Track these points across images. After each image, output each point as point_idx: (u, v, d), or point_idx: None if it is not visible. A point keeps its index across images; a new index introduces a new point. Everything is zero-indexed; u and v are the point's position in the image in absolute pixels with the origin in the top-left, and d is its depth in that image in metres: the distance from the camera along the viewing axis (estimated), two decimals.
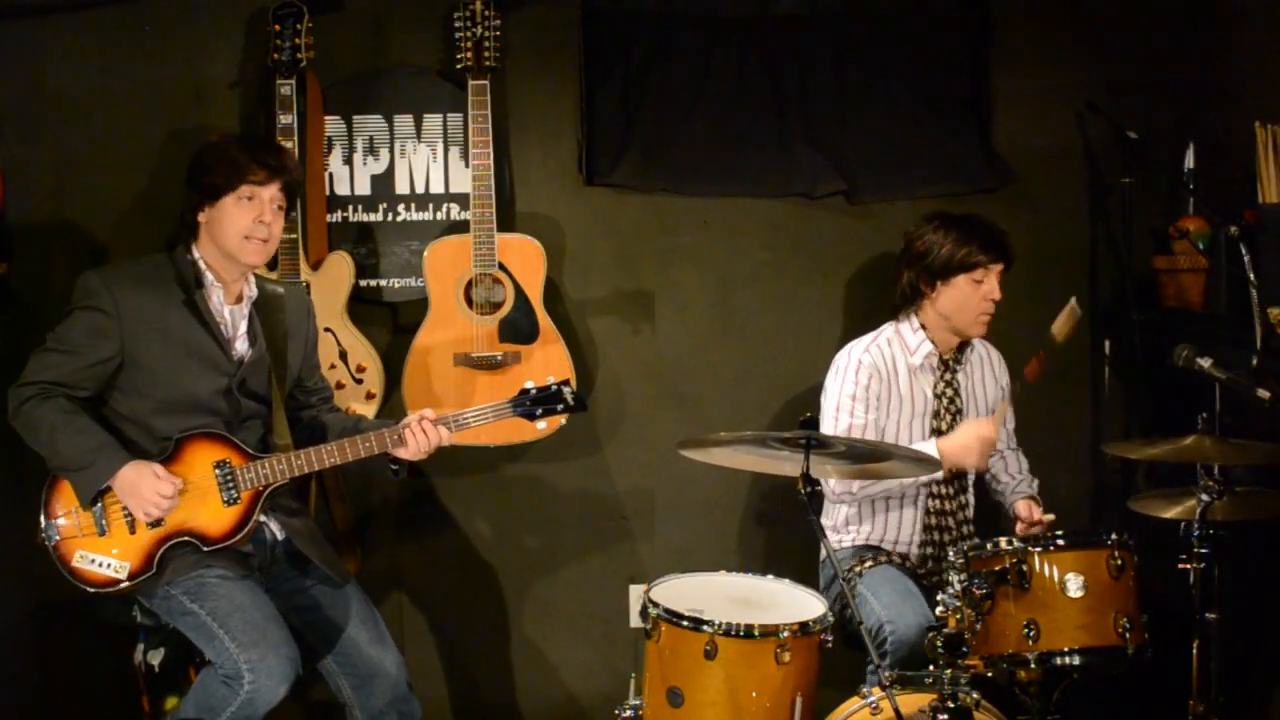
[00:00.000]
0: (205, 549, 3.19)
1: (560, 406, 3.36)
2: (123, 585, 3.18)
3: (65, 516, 3.19)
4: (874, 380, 3.63)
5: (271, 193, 3.23)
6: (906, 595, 3.46)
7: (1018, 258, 3.70)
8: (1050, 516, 3.63)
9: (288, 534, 3.33)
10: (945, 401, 3.69)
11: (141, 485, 3.12)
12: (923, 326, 3.67)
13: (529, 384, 3.38)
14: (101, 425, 3.18)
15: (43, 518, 3.20)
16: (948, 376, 3.70)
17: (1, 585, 3.82)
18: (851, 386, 3.64)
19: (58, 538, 3.19)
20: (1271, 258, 3.55)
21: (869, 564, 3.61)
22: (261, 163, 3.21)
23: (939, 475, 3.56)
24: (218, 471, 3.20)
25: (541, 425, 3.44)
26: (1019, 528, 3.64)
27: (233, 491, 3.20)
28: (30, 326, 3.71)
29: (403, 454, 3.28)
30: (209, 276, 3.25)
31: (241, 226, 3.20)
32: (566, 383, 3.39)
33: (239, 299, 3.31)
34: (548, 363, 3.89)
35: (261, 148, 3.27)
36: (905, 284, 3.69)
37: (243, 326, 3.30)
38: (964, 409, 3.71)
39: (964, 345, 3.72)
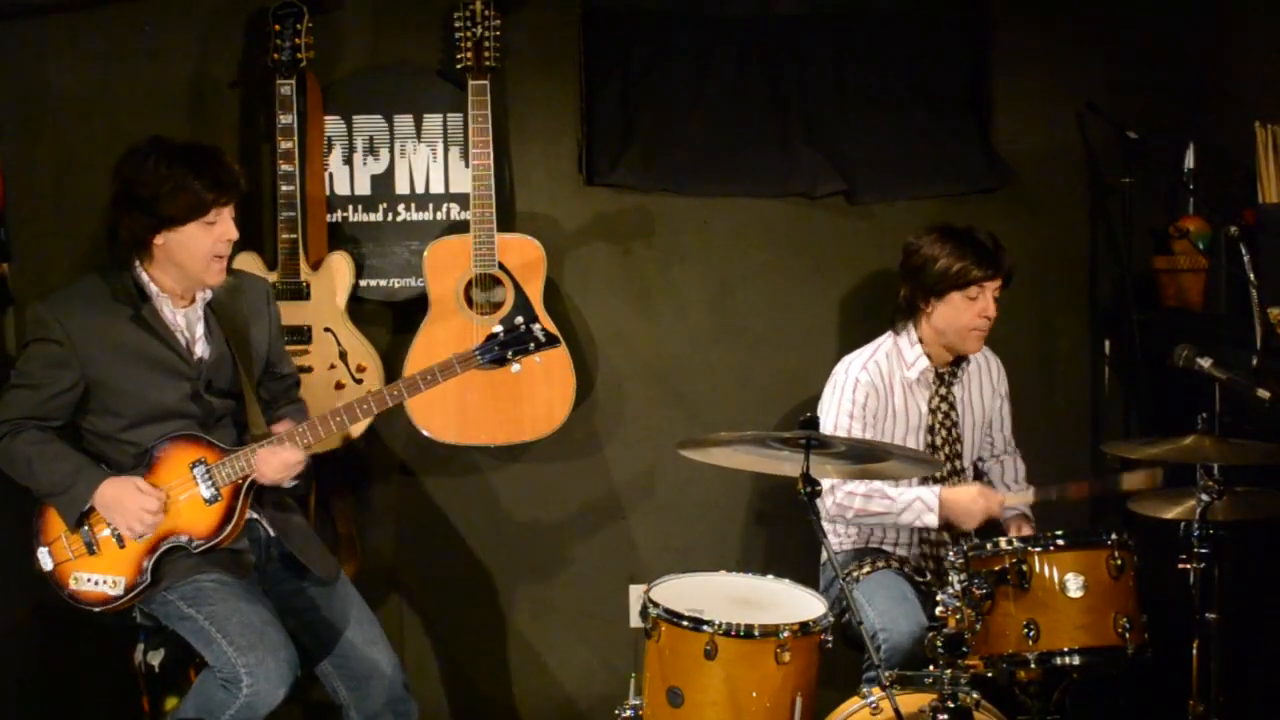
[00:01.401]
0: (196, 550, 3.19)
1: (532, 345, 3.26)
2: (121, 600, 3.19)
3: (56, 541, 3.20)
4: (871, 398, 3.62)
5: (230, 209, 3.21)
6: (901, 601, 3.46)
7: (1018, 259, 3.69)
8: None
9: (276, 531, 3.33)
10: (940, 416, 3.68)
11: (125, 500, 3.13)
12: (920, 340, 3.66)
13: (497, 328, 3.28)
14: (79, 448, 3.20)
15: (37, 546, 3.22)
16: (942, 391, 3.69)
17: (1, 585, 3.82)
18: (849, 405, 3.62)
19: (52, 563, 3.20)
20: (1271, 258, 3.55)
21: (867, 569, 3.61)
22: (222, 189, 3.16)
23: (933, 524, 3.56)
24: (195, 471, 3.19)
25: (516, 368, 3.32)
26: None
27: (213, 488, 3.19)
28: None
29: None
30: (154, 289, 3.22)
31: (208, 248, 3.17)
32: (535, 320, 3.28)
33: (191, 301, 3.28)
34: (547, 362, 3.88)
35: (213, 168, 3.17)
36: (903, 297, 3.67)
37: (199, 328, 3.28)
38: (960, 421, 3.70)
39: (960, 358, 3.71)
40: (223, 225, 3.19)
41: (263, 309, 3.41)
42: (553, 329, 3.86)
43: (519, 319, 3.27)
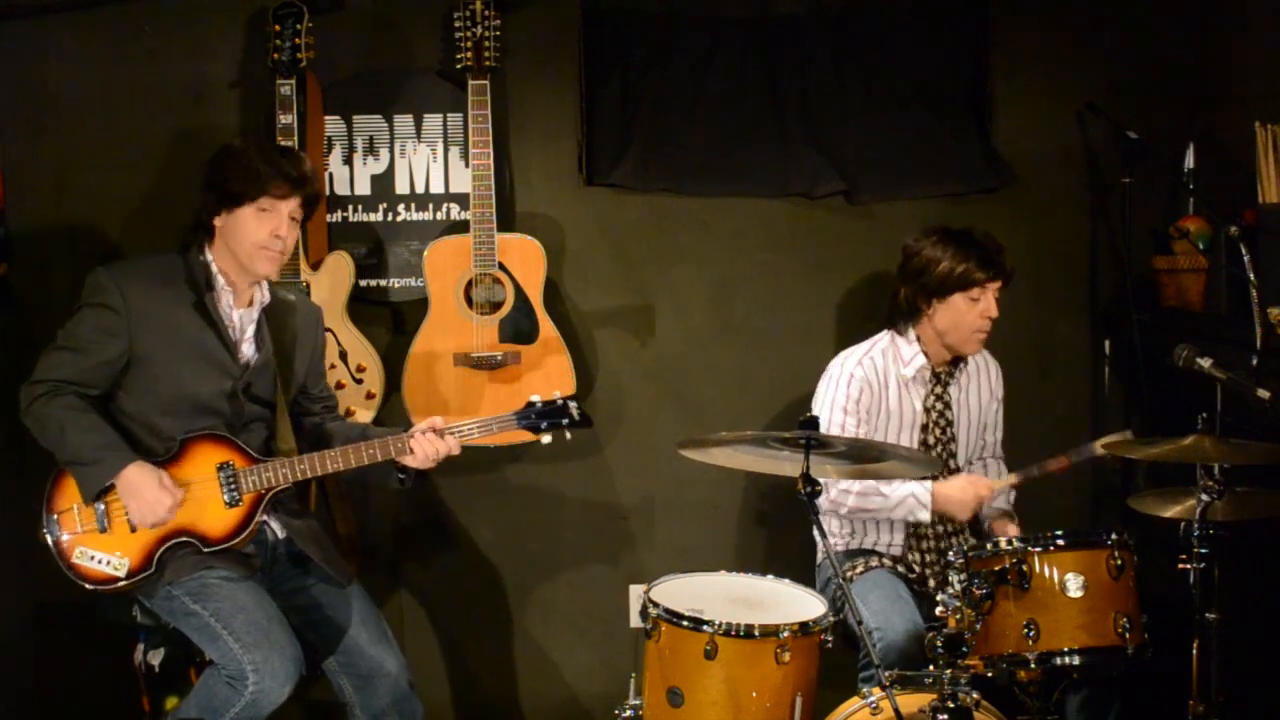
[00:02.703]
0: (205, 550, 3.19)
1: (565, 421, 3.37)
2: (121, 583, 3.18)
3: (67, 512, 3.19)
4: (865, 393, 3.63)
5: (290, 206, 3.23)
6: (895, 600, 3.46)
7: (1018, 259, 3.69)
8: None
9: (289, 534, 3.33)
10: (935, 415, 3.68)
11: (144, 489, 3.12)
12: (918, 339, 3.67)
13: (535, 397, 3.38)
14: (109, 423, 3.18)
15: (44, 513, 3.21)
16: (938, 390, 3.69)
17: (1, 585, 3.82)
18: (842, 399, 3.63)
19: (59, 532, 3.19)
20: (1271, 258, 3.55)
21: (860, 568, 3.62)
22: (284, 176, 3.20)
23: (926, 519, 3.57)
24: (220, 473, 3.20)
25: (546, 439, 3.42)
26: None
27: (235, 493, 3.20)
28: (30, 326, 3.73)
29: (410, 462, 3.29)
30: (220, 280, 3.25)
31: (257, 238, 3.20)
32: (573, 398, 3.38)
33: (250, 303, 3.31)
34: (547, 363, 3.89)
35: (284, 158, 3.23)
36: (903, 299, 3.67)
37: (250, 330, 3.30)
38: (955, 421, 3.71)
39: (958, 359, 3.71)
40: (277, 219, 3.21)
41: (311, 333, 3.45)
42: (552, 328, 3.90)
43: (557, 393, 3.39)
